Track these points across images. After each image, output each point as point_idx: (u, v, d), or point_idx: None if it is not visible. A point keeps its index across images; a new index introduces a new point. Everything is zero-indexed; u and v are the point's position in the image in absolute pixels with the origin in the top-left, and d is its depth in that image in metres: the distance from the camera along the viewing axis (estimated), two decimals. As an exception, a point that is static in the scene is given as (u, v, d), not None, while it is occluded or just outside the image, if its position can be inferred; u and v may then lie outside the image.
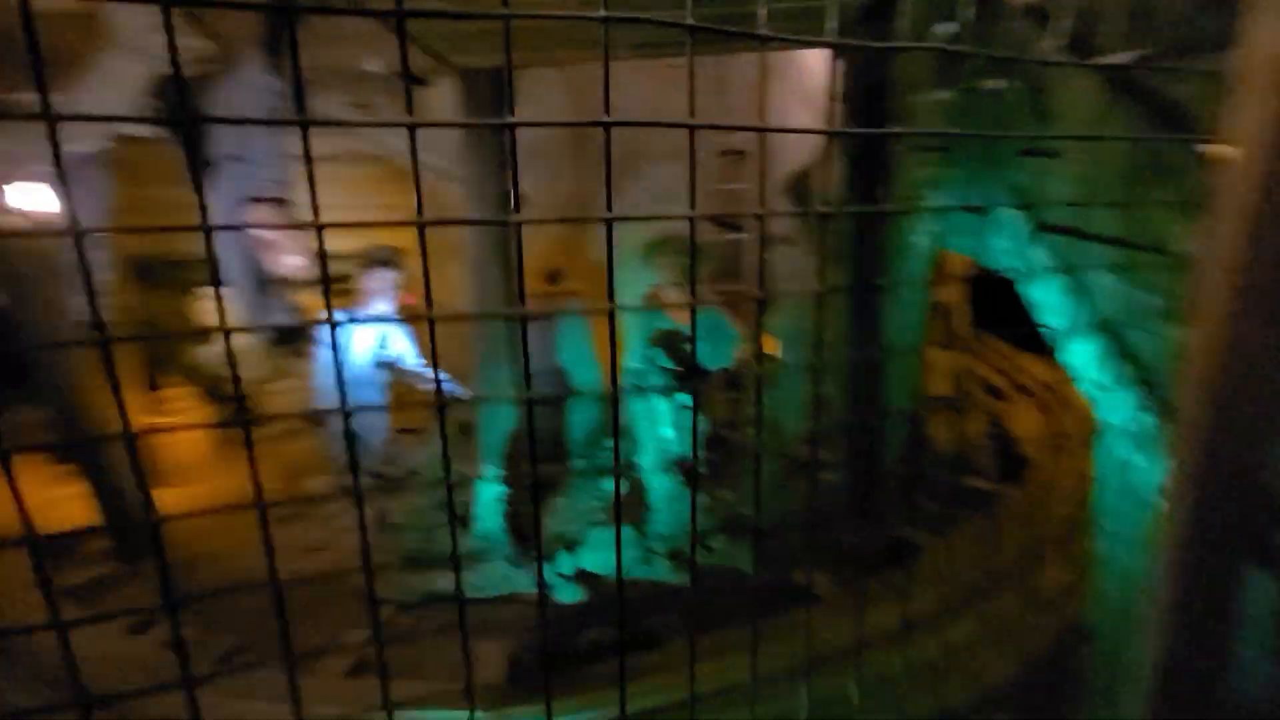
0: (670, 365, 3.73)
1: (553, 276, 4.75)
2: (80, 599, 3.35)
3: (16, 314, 3.38)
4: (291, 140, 2.96)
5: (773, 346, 4.80)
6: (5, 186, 3.14)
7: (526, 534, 3.47)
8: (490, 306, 3.50)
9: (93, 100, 2.87)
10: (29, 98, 2.94)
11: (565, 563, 3.34)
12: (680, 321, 3.87)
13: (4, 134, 2.88)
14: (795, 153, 3.84)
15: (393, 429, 5.14)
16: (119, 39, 2.70)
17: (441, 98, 3.57)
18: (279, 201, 2.98)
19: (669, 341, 3.77)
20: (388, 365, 4.33)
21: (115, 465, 3.67)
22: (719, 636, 2.11)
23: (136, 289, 5.62)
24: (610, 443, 4.57)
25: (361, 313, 4.18)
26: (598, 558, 3.35)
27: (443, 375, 3.09)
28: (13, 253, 3.26)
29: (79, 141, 3.23)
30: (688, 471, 3.54)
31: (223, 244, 3.08)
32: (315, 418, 4.31)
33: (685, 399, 3.69)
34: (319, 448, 4.67)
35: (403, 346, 4.29)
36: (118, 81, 2.82)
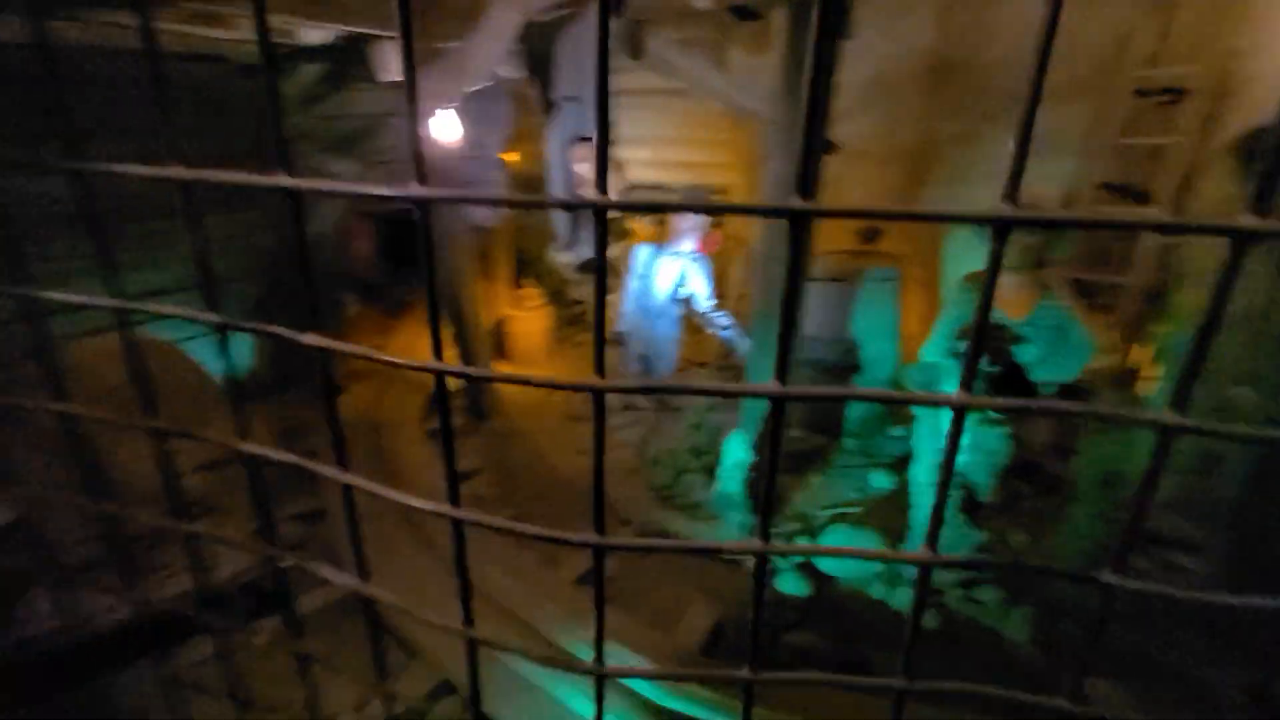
0: (981, 364, 3.04)
1: (869, 234, 4.23)
2: (437, 439, 4.44)
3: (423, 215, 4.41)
4: (621, 79, 3.08)
5: (1147, 365, 3.56)
6: (429, 120, 3.98)
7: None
8: (780, 259, 3.27)
9: (481, 46, 3.38)
10: (445, 46, 3.63)
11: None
12: (1012, 315, 3.09)
13: (425, 76, 3.62)
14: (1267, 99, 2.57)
15: (683, 359, 5.43)
16: (501, -10, 3.07)
17: (775, 31, 3.31)
18: (602, 141, 3.17)
19: (987, 336, 3.05)
20: (683, 301, 4.50)
21: (475, 339, 4.64)
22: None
23: (523, 194, 6.85)
24: (894, 431, 4.06)
25: (666, 248, 4.36)
26: (835, 556, 3.06)
27: (727, 321, 3.04)
28: (427, 167, 4.21)
29: (479, 77, 3.89)
30: (969, 500, 2.93)
31: (554, 174, 3.45)
32: (615, 339, 4.75)
33: (992, 411, 3.00)
34: (616, 362, 5.18)
35: (698, 285, 4.38)
36: (499, 30, 3.25)
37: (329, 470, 0.56)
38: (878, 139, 4.46)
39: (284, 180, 0.43)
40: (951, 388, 2.45)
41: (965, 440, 2.63)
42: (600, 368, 0.38)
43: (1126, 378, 3.67)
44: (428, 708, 2.40)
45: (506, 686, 2.27)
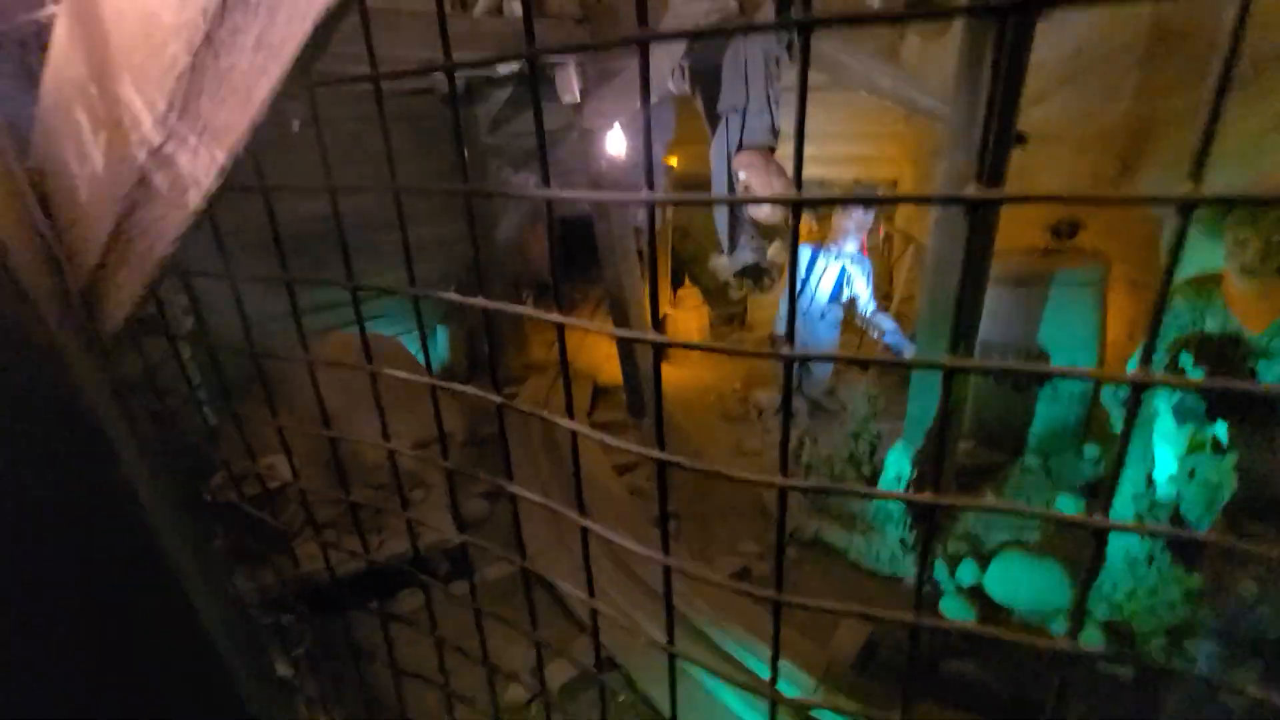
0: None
1: (1062, 230, 3.79)
2: (599, 430, 4.76)
3: (596, 220, 4.71)
4: (779, 89, 3.09)
5: None
6: (606, 135, 4.27)
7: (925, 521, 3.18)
8: (953, 265, 3.07)
9: (654, 62, 3.57)
10: (615, 67, 3.88)
11: (967, 571, 2.95)
12: (1250, 327, 2.65)
13: (600, 96, 3.89)
14: None
15: (843, 363, 5.26)
16: (671, 8, 3.23)
17: (956, 23, 3.10)
18: (765, 148, 3.21)
19: (1210, 349, 2.64)
20: (845, 303, 4.38)
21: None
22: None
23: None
24: (1089, 452, 3.62)
25: (828, 248, 4.27)
26: (1007, 583, 2.84)
27: (891, 325, 3.00)
28: (597, 177, 4.50)
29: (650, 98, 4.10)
30: (1178, 539, 2.55)
31: (716, 184, 3.55)
32: (771, 340, 4.74)
33: (1219, 434, 2.59)
34: (773, 364, 5.17)
35: (860, 287, 4.24)
36: (667, 49, 3.42)
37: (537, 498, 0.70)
38: (1076, 122, 3.97)
39: (544, 191, 0.55)
40: (1163, 406, 2.21)
41: (1174, 469, 2.36)
42: (791, 337, 0.40)
43: None
44: (591, 680, 2.64)
45: (661, 672, 2.43)
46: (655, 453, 0.49)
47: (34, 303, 0.61)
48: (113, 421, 0.69)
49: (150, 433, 0.83)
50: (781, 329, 4.63)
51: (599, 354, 5.98)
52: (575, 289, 7.32)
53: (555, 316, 0.51)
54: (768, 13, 3.10)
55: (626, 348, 4.99)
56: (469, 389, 0.66)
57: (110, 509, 0.67)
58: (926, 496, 0.41)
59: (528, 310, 0.55)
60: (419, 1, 3.25)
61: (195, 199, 0.48)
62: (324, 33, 0.36)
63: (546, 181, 0.47)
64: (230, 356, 0.87)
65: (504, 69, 4.17)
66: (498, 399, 0.62)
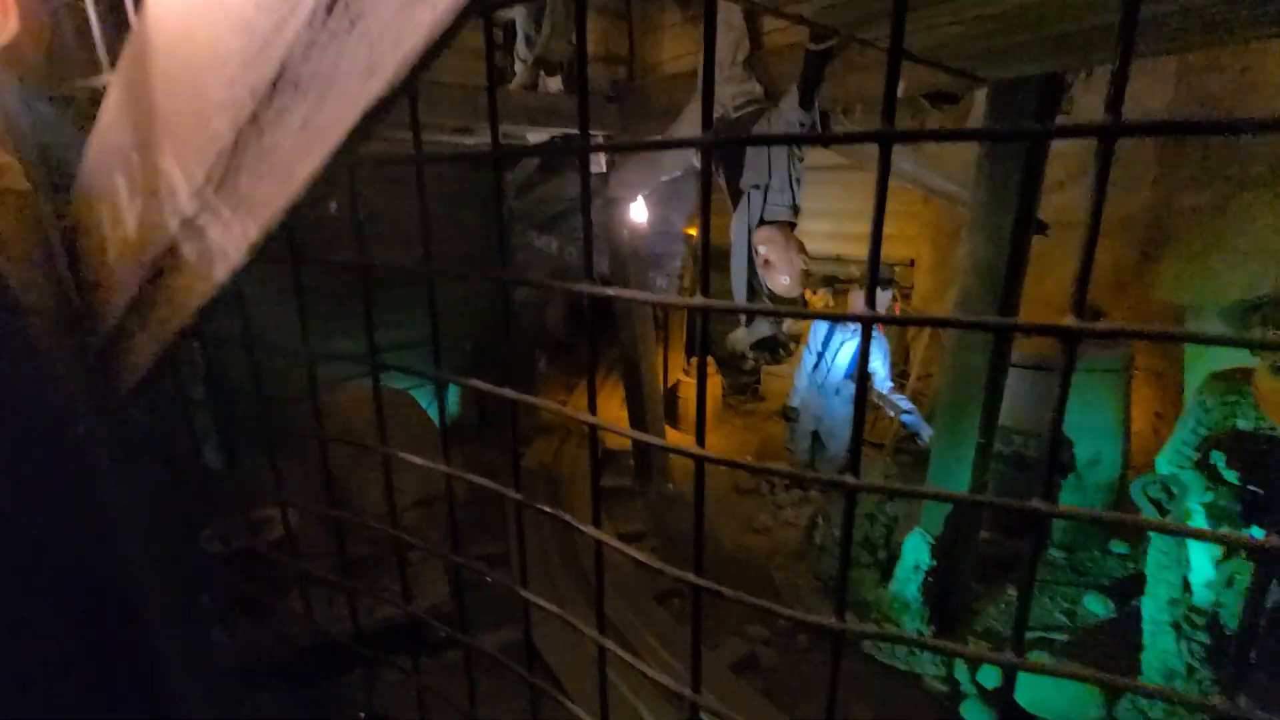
0: (1236, 482, 2.53)
1: (1088, 315, 3.76)
2: (605, 496, 4.65)
3: (614, 282, 4.77)
4: (801, 168, 3.16)
5: None
6: (629, 205, 4.38)
7: (945, 614, 3.02)
8: (973, 346, 3.04)
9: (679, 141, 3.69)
10: (644, 141, 4.01)
11: (989, 674, 2.78)
12: (1277, 420, 2.57)
13: (626, 168, 4.02)
14: None
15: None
16: (698, 92, 3.35)
17: (974, 112, 3.20)
18: (785, 224, 3.26)
19: (1244, 448, 2.55)
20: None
21: (650, 403, 4.86)
22: None
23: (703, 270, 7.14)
24: (1115, 547, 3.47)
25: (845, 324, 4.26)
26: (1035, 692, 2.65)
27: (908, 405, 2.91)
28: (619, 244, 4.58)
29: (671, 170, 4.22)
30: (1217, 648, 2.39)
31: (736, 258, 3.59)
32: (785, 412, 4.68)
33: (1258, 537, 2.46)
34: (785, 438, 5.08)
35: (877, 365, 4.20)
36: (694, 126, 3.54)
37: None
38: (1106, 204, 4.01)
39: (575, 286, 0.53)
40: (1195, 505, 2.11)
41: (1212, 574, 2.24)
42: (856, 469, 0.40)
43: None
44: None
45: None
46: (691, 577, 0.45)
47: (47, 360, 0.59)
48: (111, 483, 0.66)
49: (150, 491, 0.79)
50: (795, 401, 4.58)
51: (607, 416, 5.92)
52: (592, 350, 7.35)
53: (586, 416, 0.48)
54: (791, 99, 3.22)
55: (636, 414, 4.95)
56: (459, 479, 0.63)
57: (96, 581, 0.63)
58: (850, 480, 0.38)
59: (552, 406, 0.52)
60: (454, 74, 3.41)
61: (221, 272, 0.46)
62: (373, 119, 0.35)
63: (591, 278, 0.45)
64: (243, 402, 0.85)
65: (534, 137, 4.33)
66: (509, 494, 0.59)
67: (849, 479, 0.40)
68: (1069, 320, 0.33)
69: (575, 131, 3.75)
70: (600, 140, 4.12)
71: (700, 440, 0.48)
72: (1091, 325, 0.34)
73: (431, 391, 5.39)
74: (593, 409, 0.53)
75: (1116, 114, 0.30)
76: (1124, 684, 0.38)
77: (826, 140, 0.41)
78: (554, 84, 4.06)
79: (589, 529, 0.54)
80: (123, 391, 0.66)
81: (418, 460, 0.68)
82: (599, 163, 4.05)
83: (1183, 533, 0.40)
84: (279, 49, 0.36)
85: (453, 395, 5.20)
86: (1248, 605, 2.44)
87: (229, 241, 0.45)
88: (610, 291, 0.46)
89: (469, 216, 5.02)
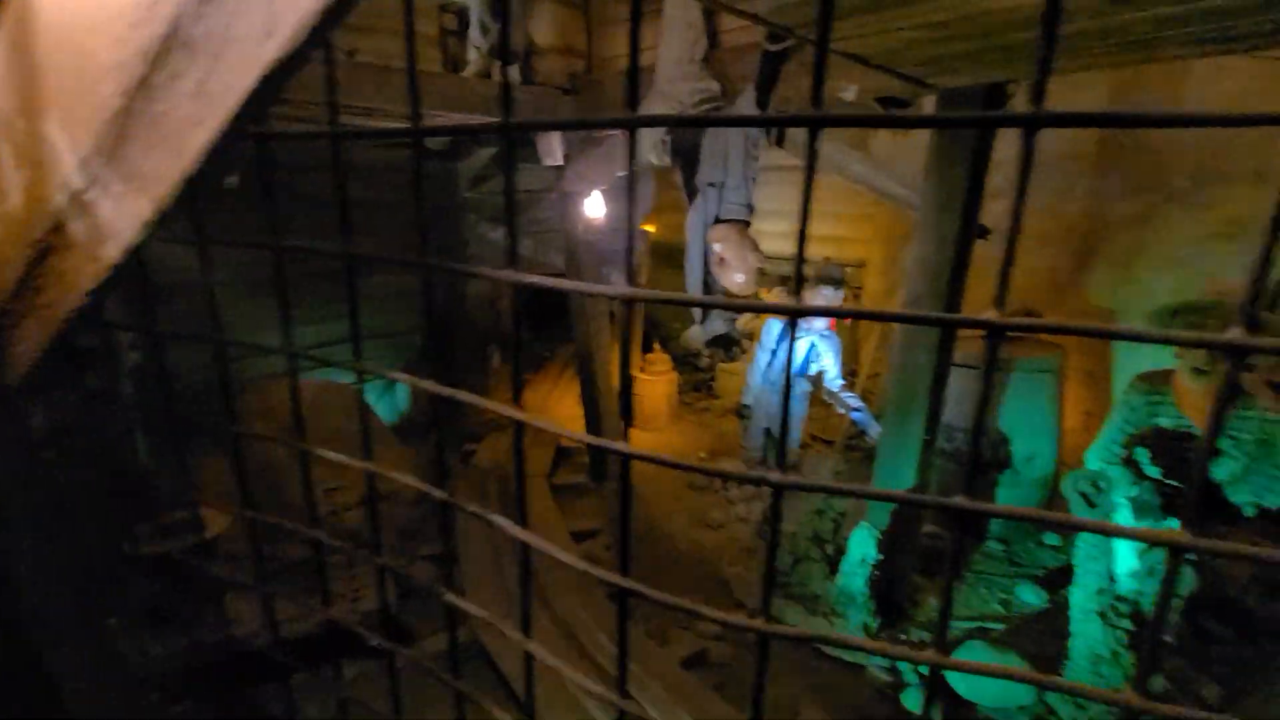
0: (1158, 477, 2.68)
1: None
2: (560, 493, 4.60)
3: (569, 277, 4.73)
4: (757, 167, 3.19)
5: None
6: (585, 200, 4.34)
7: (889, 607, 3.10)
8: (919, 345, 3.13)
9: (637, 135, 3.67)
10: (600, 136, 3.98)
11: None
12: (1200, 425, 2.72)
13: (582, 162, 3.98)
14: None
15: (808, 436, 5.26)
16: (656, 88, 3.35)
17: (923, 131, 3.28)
18: (740, 223, 3.28)
19: (1165, 445, 2.70)
20: (812, 377, 4.41)
21: (605, 400, 4.83)
22: None
23: (659, 266, 7.14)
24: (1047, 539, 3.63)
25: (828, 310, 4.33)
26: (970, 678, 2.75)
27: (857, 402, 2.96)
28: (574, 239, 4.54)
29: (626, 166, 4.21)
30: (1135, 633, 2.53)
31: (692, 255, 3.59)
32: (739, 410, 4.73)
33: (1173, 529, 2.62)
34: (738, 434, 5.14)
35: (828, 362, 4.28)
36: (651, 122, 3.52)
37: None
38: (1034, 219, 4.19)
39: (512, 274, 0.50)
40: (1120, 499, 2.21)
41: (1136, 565, 2.36)
42: (782, 464, 0.40)
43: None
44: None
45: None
46: (618, 578, 0.44)
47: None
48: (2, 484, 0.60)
49: (52, 493, 0.73)
50: (748, 399, 4.63)
51: (563, 413, 5.88)
52: (545, 347, 7.27)
53: (510, 410, 0.46)
54: (748, 97, 3.24)
55: (590, 410, 4.92)
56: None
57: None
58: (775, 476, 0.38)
59: (485, 403, 0.49)
60: (405, 60, 3.30)
61: (113, 252, 0.42)
62: (272, 85, 0.32)
63: (514, 264, 0.43)
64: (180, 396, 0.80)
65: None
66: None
67: (773, 476, 0.40)
68: (991, 314, 0.34)
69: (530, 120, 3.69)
70: (555, 134, 4.07)
71: (625, 435, 0.47)
72: (1013, 319, 0.34)
73: (383, 386, 5.23)
74: (516, 399, 0.51)
75: (1039, 105, 0.31)
76: (1042, 679, 0.38)
77: (753, 122, 0.40)
78: (512, 74, 3.99)
79: (519, 531, 0.52)
80: (12, 383, 0.61)
81: (334, 456, 0.65)
82: (555, 155, 4.00)
83: (1090, 528, 0.41)
84: (169, 5, 0.33)
85: (403, 391, 5.06)
86: (1160, 594, 2.59)
87: (121, 218, 0.41)
88: (534, 280, 0.45)
89: (420, 207, 4.88)
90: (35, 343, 0.55)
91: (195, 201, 0.43)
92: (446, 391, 0.55)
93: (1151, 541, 0.38)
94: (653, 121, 0.38)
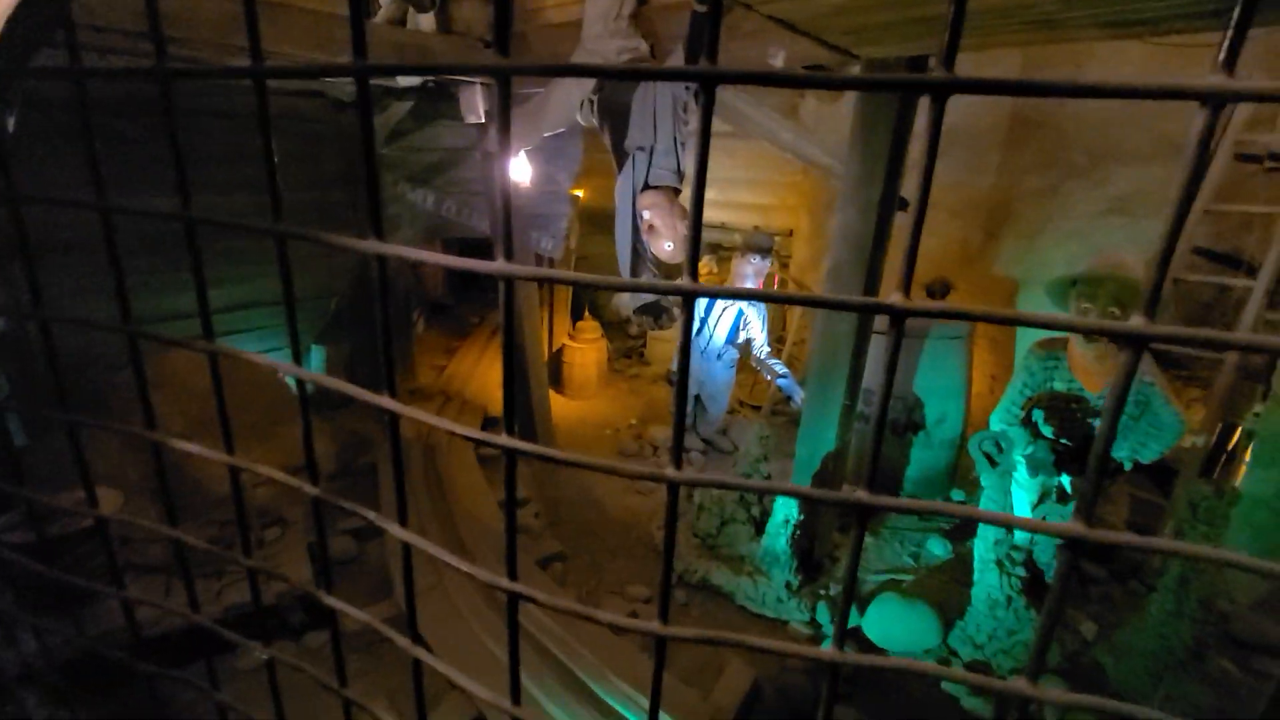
0: (1051, 436, 2.89)
1: (935, 290, 4.11)
2: (487, 463, 4.52)
3: (495, 243, 4.57)
4: (687, 132, 3.14)
5: (1242, 448, 3.29)
6: (511, 160, 4.16)
7: (809, 564, 3.25)
8: (840, 314, 3.22)
9: (563, 93, 3.52)
10: (526, 93, 3.80)
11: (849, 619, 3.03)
12: (1090, 388, 2.94)
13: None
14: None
15: (736, 402, 5.38)
16: (583, 44, 3.21)
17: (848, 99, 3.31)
18: (669, 189, 3.23)
19: (1060, 407, 2.90)
20: (740, 345, 4.48)
21: (531, 368, 4.74)
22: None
23: (589, 232, 7.00)
24: (954, 495, 3.88)
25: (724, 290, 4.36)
26: (882, 626, 2.93)
27: (783, 369, 3.00)
28: (501, 202, 4.36)
29: (555, 125, 4.05)
30: (1032, 581, 2.76)
31: (620, 221, 3.52)
32: (668, 377, 4.76)
33: (1065, 484, 2.85)
34: (668, 401, 5.18)
35: (756, 330, 4.36)
36: (578, 80, 3.39)
37: (396, 530, 0.58)
38: (949, 192, 4.36)
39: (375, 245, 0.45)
40: (1018, 457, 2.35)
41: (1028, 515, 2.54)
42: (678, 461, 0.39)
43: (1218, 460, 3.40)
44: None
45: (537, 730, 2.27)
46: (504, 583, 0.40)
47: None
48: None
49: None
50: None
51: (490, 382, 5.75)
52: (473, 311, 7.05)
53: (388, 402, 0.41)
54: (677, 58, 3.16)
55: (519, 379, 4.82)
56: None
57: None
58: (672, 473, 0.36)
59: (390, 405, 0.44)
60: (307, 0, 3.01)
61: None
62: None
63: (379, 234, 0.37)
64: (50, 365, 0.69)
65: (405, 81, 3.98)
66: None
67: (670, 473, 0.38)
68: (895, 298, 0.32)
69: (449, 77, 3.48)
70: (478, 89, 3.87)
71: (509, 428, 0.43)
72: (917, 303, 0.33)
73: (288, 354, 4.93)
74: (393, 393, 0.46)
75: (949, 69, 0.29)
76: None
77: (648, 75, 0.36)
78: (426, 22, 3.73)
79: (399, 533, 0.47)
80: None
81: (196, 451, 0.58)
82: (477, 112, 3.80)
83: (982, 518, 0.40)
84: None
85: (317, 360, 4.79)
86: (1057, 589, 2.82)
87: None
88: (399, 251, 0.39)
89: (332, 162, 4.55)
90: None
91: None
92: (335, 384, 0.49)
93: (1051, 533, 0.38)
94: (526, 71, 0.34)
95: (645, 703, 2.36)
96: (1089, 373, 2.90)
